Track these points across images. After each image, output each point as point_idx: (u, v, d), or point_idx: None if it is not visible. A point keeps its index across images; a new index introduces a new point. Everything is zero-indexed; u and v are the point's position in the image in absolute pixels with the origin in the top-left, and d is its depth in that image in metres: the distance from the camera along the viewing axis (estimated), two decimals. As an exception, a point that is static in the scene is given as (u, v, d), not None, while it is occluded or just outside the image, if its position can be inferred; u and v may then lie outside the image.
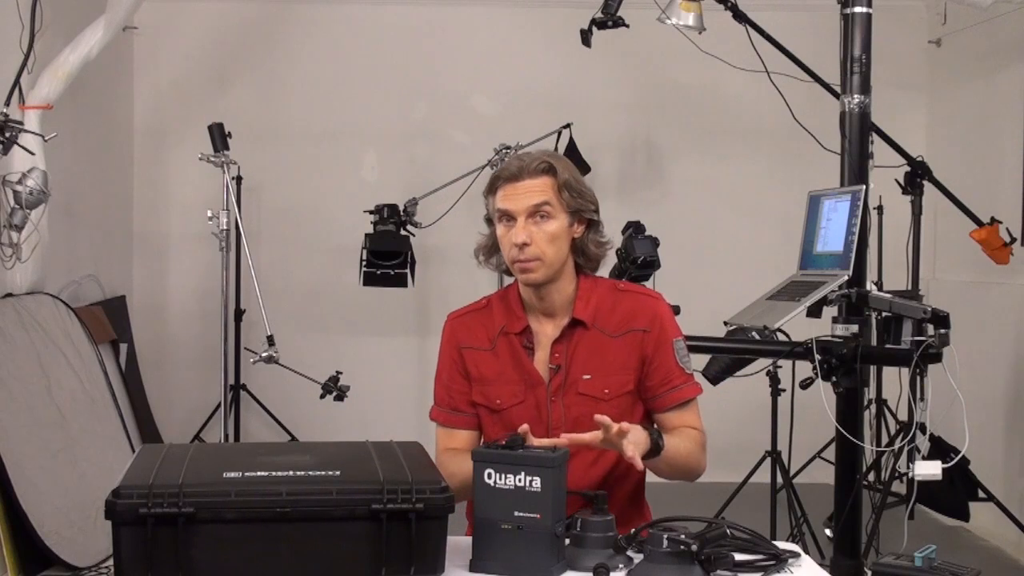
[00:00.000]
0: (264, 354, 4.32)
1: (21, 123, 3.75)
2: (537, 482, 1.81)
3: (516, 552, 1.82)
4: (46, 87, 4.12)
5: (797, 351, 3.34)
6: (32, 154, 3.83)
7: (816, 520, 4.29)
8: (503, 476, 1.83)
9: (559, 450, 1.87)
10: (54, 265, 4.37)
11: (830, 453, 4.02)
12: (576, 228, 2.24)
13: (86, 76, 4.34)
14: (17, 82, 3.90)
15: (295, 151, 5.84)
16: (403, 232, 5.12)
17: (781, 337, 3.37)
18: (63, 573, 3.50)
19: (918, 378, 3.26)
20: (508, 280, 2.32)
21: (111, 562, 1.69)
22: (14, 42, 3.88)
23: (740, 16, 3.98)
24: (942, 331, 3.12)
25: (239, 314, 5.38)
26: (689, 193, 5.82)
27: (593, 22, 4.14)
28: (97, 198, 5.24)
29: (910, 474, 3.31)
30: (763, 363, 3.77)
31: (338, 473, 1.75)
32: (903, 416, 4.55)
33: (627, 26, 4.12)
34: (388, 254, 5.03)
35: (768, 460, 4.38)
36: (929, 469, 3.24)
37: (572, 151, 5.22)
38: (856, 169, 3.62)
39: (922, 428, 3.52)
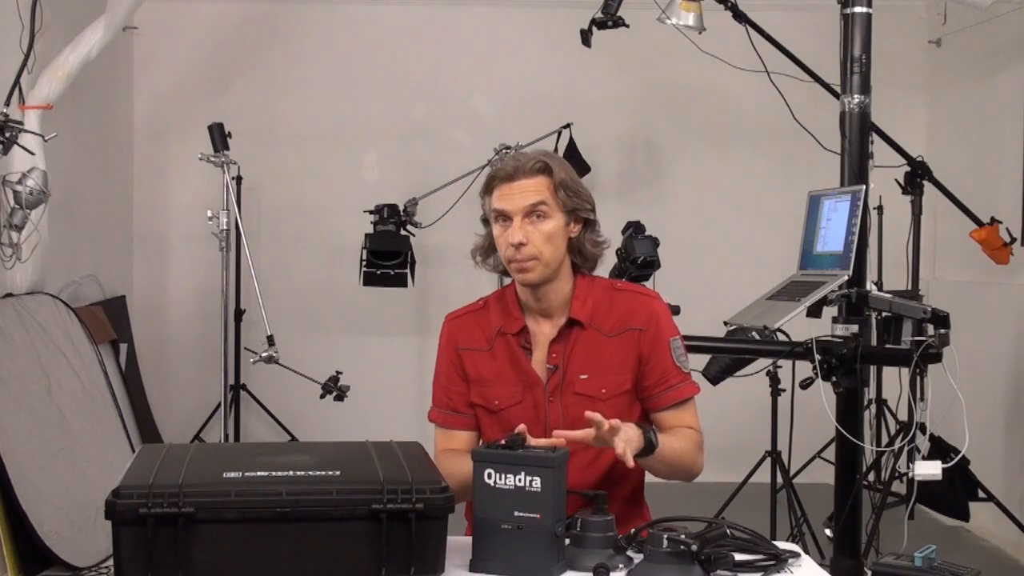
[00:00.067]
0: (264, 354, 4.32)
1: (21, 123, 3.75)
2: (537, 482, 1.81)
3: (516, 552, 1.82)
4: (46, 87, 4.12)
5: (797, 351, 3.34)
6: (32, 154, 3.83)
7: (816, 520, 4.29)
8: (503, 476, 1.83)
9: (559, 450, 1.87)
10: (54, 265, 4.37)
11: (830, 453, 4.02)
12: (572, 228, 2.24)
13: (86, 76, 4.34)
14: (17, 82, 3.90)
15: (295, 151, 5.84)
16: (403, 232, 5.12)
17: (781, 337, 3.37)
18: (63, 573, 3.50)
19: (918, 378, 3.26)
20: (508, 280, 2.32)
21: (111, 562, 1.69)
22: (14, 42, 3.88)
23: (740, 16, 3.98)
24: (942, 331, 3.12)
25: (239, 314, 5.38)
26: (689, 193, 5.82)
27: (593, 22, 4.14)
28: (97, 198, 5.24)
29: (910, 474, 3.31)
30: (763, 363, 3.77)
31: (338, 473, 1.75)
32: (903, 416, 4.55)
33: (627, 26, 4.12)
34: (388, 254, 5.03)
35: (768, 460, 4.38)
36: (929, 469, 3.23)
37: (572, 151, 5.22)
38: (856, 169, 3.62)
39: (922, 428, 3.53)
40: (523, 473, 1.82)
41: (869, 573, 2.83)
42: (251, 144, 5.39)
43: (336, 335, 5.84)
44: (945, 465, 3.35)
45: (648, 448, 2.08)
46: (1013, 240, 4.55)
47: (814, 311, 3.38)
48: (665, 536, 1.79)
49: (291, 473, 1.74)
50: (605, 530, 1.89)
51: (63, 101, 4.25)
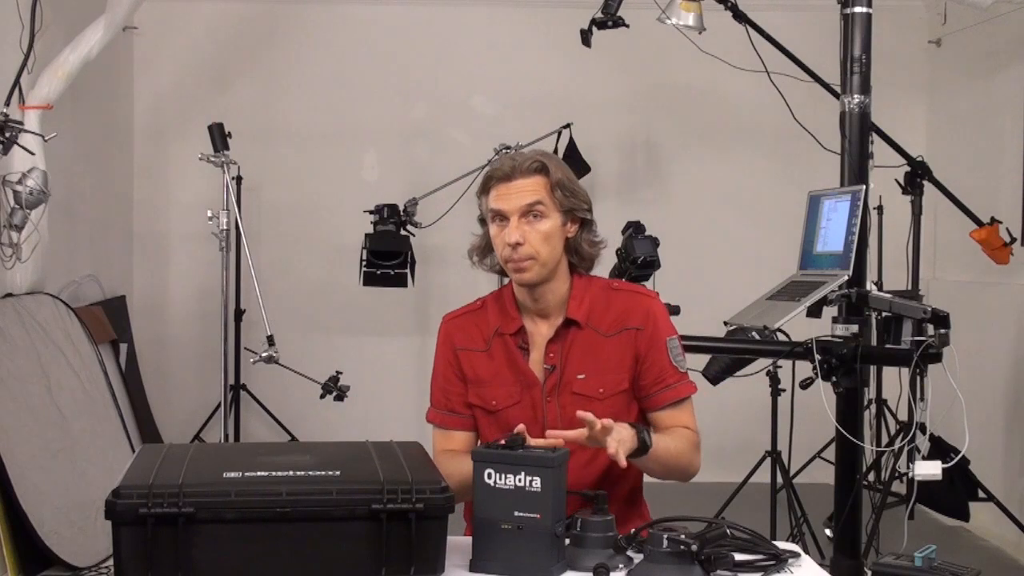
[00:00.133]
0: (264, 354, 4.32)
1: (21, 123, 3.75)
2: (537, 482, 1.81)
3: (516, 552, 1.82)
4: (46, 87, 4.12)
5: (797, 351, 3.34)
6: (32, 154, 3.83)
7: (816, 520, 4.29)
8: (503, 476, 1.83)
9: (559, 450, 1.87)
10: (54, 265, 4.37)
11: (830, 453, 4.02)
12: (569, 227, 2.24)
13: (86, 76, 4.34)
14: (17, 82, 3.90)
15: (295, 151, 5.84)
16: (403, 232, 5.12)
17: (781, 337, 3.37)
18: (63, 573, 3.50)
19: (918, 378, 3.26)
20: (508, 279, 2.32)
21: (111, 562, 1.69)
22: (14, 42, 3.88)
23: (740, 16, 3.98)
24: (942, 331, 3.12)
25: (239, 314, 5.38)
26: (689, 193, 5.82)
27: (593, 22, 4.14)
28: (97, 198, 5.24)
29: (910, 474, 3.31)
30: (763, 363, 3.77)
31: (338, 473, 1.75)
32: (903, 416, 4.55)
33: (627, 26, 4.12)
34: (388, 254, 5.03)
35: (768, 460, 4.38)
36: (929, 469, 3.23)
37: (572, 151, 5.22)
38: (856, 169, 3.62)
39: (922, 428, 3.52)
40: (523, 473, 1.82)
41: (869, 573, 2.83)
42: (251, 144, 5.39)
43: (336, 335, 5.84)
44: (945, 465, 3.35)
45: (642, 448, 2.08)
46: (1013, 240, 4.55)
47: (814, 311, 3.38)
48: (665, 536, 1.79)
49: (291, 473, 1.74)
50: (605, 530, 1.89)
51: (63, 101, 4.25)
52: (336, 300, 5.82)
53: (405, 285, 5.08)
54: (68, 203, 4.66)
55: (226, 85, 5.82)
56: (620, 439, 2.01)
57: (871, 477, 4.68)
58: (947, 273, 5.46)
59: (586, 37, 4.19)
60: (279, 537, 1.68)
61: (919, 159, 4.52)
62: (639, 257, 3.57)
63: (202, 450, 2.00)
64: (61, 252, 4.56)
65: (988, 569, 3.82)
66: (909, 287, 4.71)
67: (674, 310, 3.51)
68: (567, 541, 1.88)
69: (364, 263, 5.03)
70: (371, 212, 5.11)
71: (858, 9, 3.59)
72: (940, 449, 4.00)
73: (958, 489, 4.26)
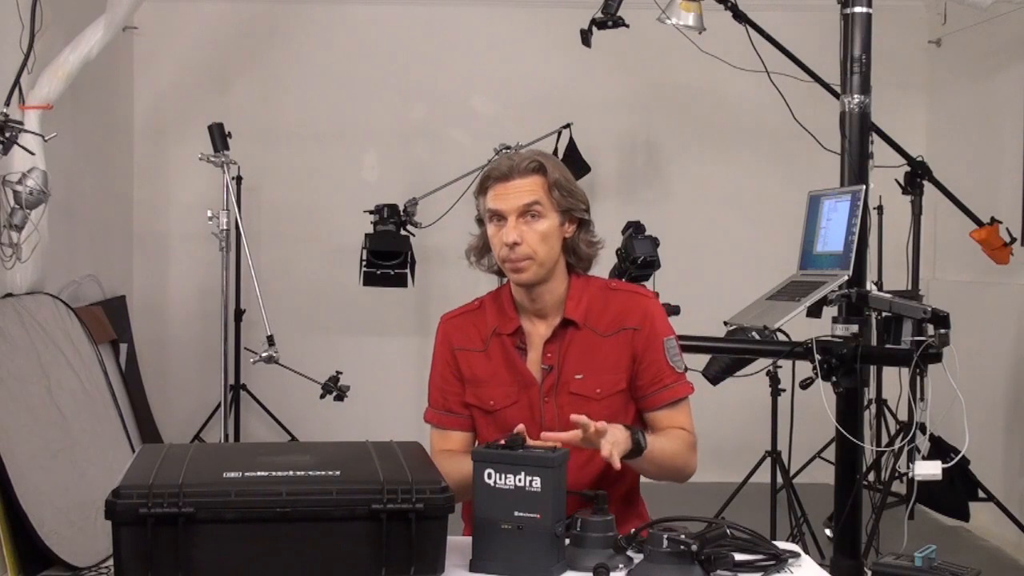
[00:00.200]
0: (264, 354, 4.32)
1: (21, 123, 3.75)
2: (537, 482, 1.81)
3: (516, 552, 1.82)
4: (46, 87, 4.12)
5: (797, 351, 3.34)
6: (32, 154, 3.83)
7: (816, 520, 4.29)
8: (503, 476, 1.83)
9: (559, 450, 1.87)
10: (54, 265, 4.37)
11: (830, 453, 4.02)
12: (567, 227, 2.23)
13: (86, 76, 4.34)
14: (17, 82, 3.90)
15: (295, 151, 5.84)
16: (403, 232, 5.12)
17: (781, 337, 3.37)
18: (63, 573, 3.50)
19: (918, 378, 3.26)
20: (507, 279, 2.32)
21: (111, 562, 1.69)
22: (14, 42, 3.88)
23: (740, 16, 3.98)
24: (942, 331, 3.12)
25: (239, 314, 5.38)
26: (689, 193, 5.82)
27: (593, 22, 4.14)
28: (97, 198, 5.24)
29: (910, 474, 3.31)
30: (763, 363, 3.77)
31: (338, 473, 1.75)
32: (903, 416, 4.55)
33: (627, 26, 4.12)
34: (388, 254, 5.03)
35: (768, 460, 4.38)
36: (929, 469, 3.23)
37: (572, 151, 5.22)
38: (856, 169, 3.62)
39: (922, 428, 3.52)
40: (523, 473, 1.82)
41: (869, 573, 2.83)
42: (251, 144, 5.39)
43: (336, 335, 5.84)
44: (945, 465, 3.35)
45: (636, 450, 2.08)
46: (1013, 240, 4.55)
47: (814, 311, 3.38)
48: (665, 536, 1.79)
49: (291, 473, 1.74)
50: (605, 530, 1.89)
51: (63, 101, 4.25)
52: (336, 300, 5.82)
53: (405, 285, 5.08)
54: (68, 203, 4.66)
55: (226, 85, 5.82)
56: (614, 441, 2.00)
57: (871, 477, 4.68)
58: (947, 273, 5.46)
59: (586, 37, 4.19)
60: (279, 537, 1.68)
61: (919, 159, 4.52)
62: (639, 257, 3.57)
63: (202, 450, 2.00)
64: (61, 252, 4.56)
65: (988, 569, 3.82)
66: (909, 287, 4.71)
67: (674, 310, 3.52)
68: (567, 541, 1.88)
69: (364, 263, 5.04)
70: (371, 212, 5.12)
71: (858, 9, 3.59)
72: (940, 449, 4.00)
73: (958, 489, 4.25)
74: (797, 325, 3.34)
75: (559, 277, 2.25)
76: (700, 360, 3.47)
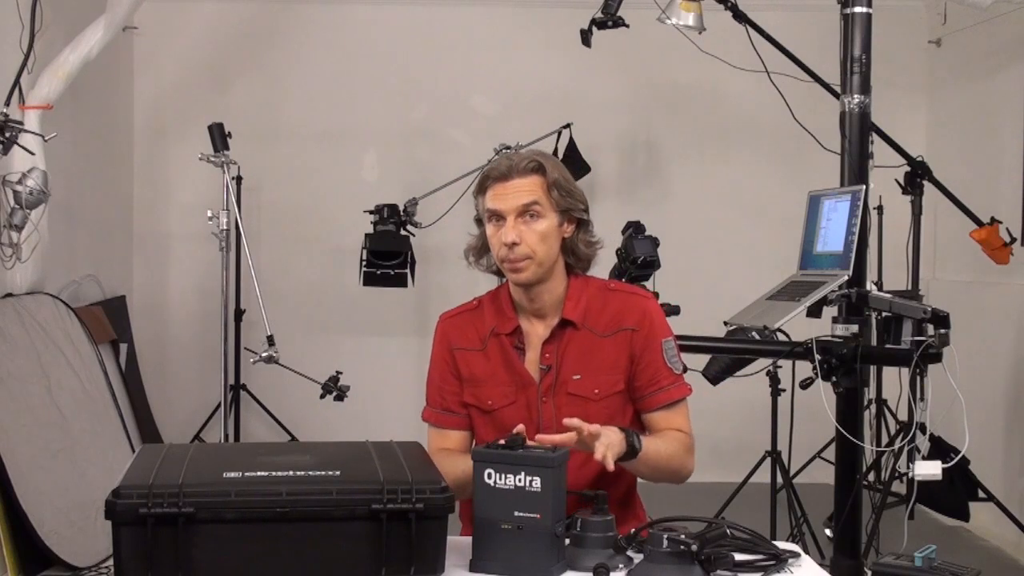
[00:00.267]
0: (264, 354, 4.32)
1: (21, 123, 3.75)
2: (537, 482, 1.81)
3: (516, 552, 1.82)
4: (46, 87, 4.12)
5: (797, 351, 3.34)
6: (32, 154, 3.83)
7: (816, 520, 4.29)
8: (503, 476, 1.83)
9: (559, 450, 1.87)
10: (54, 265, 4.37)
11: (830, 453, 4.02)
12: (566, 228, 2.23)
13: (86, 76, 4.34)
14: (17, 82, 3.90)
15: (295, 151, 5.84)
16: (403, 232, 5.12)
17: (781, 337, 3.37)
18: (63, 573, 3.50)
19: (918, 378, 3.26)
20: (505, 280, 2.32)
21: (111, 562, 1.69)
22: (14, 42, 3.88)
23: (740, 16, 3.98)
24: (942, 331, 3.12)
25: (239, 314, 5.38)
26: (689, 193, 5.82)
27: (593, 22, 4.14)
28: (97, 198, 5.24)
29: (910, 474, 3.31)
30: (763, 363, 3.77)
31: (338, 473, 1.75)
32: (903, 416, 4.55)
33: (627, 26, 4.12)
34: (388, 254, 5.03)
35: (768, 460, 4.38)
36: (929, 469, 3.23)
37: (572, 151, 5.22)
38: (856, 169, 3.62)
39: (922, 428, 3.52)
40: (523, 473, 1.82)
41: (869, 573, 2.83)
42: (251, 144, 5.39)
43: (336, 335, 5.84)
44: (945, 465, 3.35)
45: (631, 452, 2.07)
46: (1013, 240, 4.55)
47: (814, 311, 3.38)
48: (665, 536, 1.79)
49: (291, 473, 1.74)
50: (605, 530, 1.89)
51: (63, 101, 4.25)
52: (336, 300, 5.82)
53: (405, 285, 5.08)
54: (68, 203, 4.66)
55: (226, 85, 5.82)
56: (609, 443, 2.00)
57: (871, 477, 4.68)
58: (947, 273, 5.46)
59: (586, 37, 4.19)
60: (279, 537, 1.68)
61: (919, 159, 4.52)
62: (639, 257, 3.57)
63: (202, 450, 2.00)
64: (61, 252, 4.56)
65: (988, 569, 3.82)
66: (909, 287, 4.71)
67: (674, 310, 3.52)
68: (567, 541, 1.88)
69: (364, 263, 5.04)
70: (371, 212, 5.12)
71: (858, 9, 3.59)
72: (940, 449, 4.00)
73: (958, 489, 4.25)
74: (797, 325, 3.34)
75: (558, 277, 2.25)
76: (700, 360, 3.47)
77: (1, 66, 3.94)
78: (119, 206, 5.67)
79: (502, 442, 1.86)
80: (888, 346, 3.25)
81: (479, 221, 2.28)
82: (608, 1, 4.07)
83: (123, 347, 5.06)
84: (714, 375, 3.54)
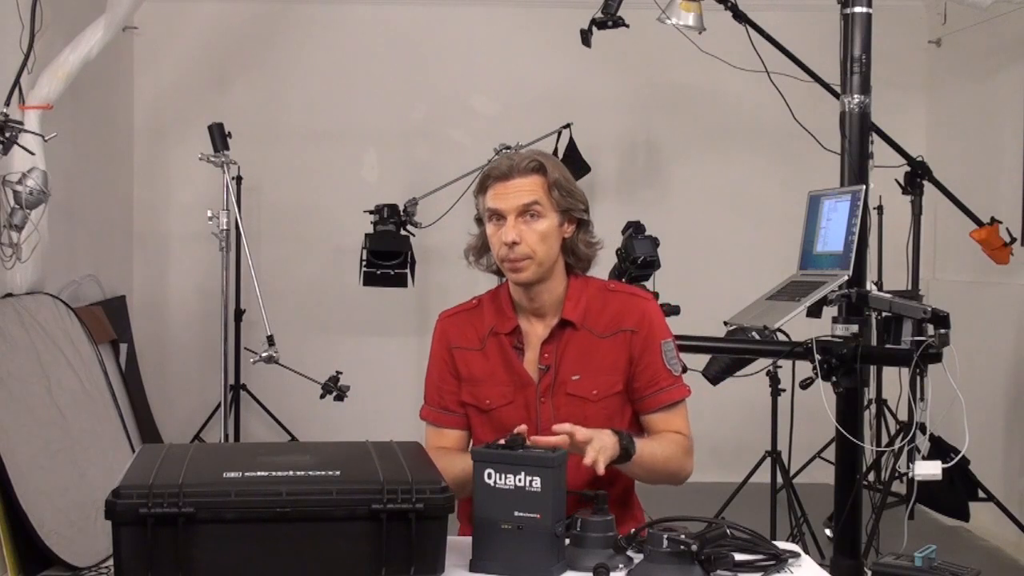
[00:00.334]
0: (264, 354, 4.32)
1: (21, 123, 3.75)
2: (537, 482, 1.81)
3: (516, 552, 1.82)
4: (46, 87, 4.12)
5: (797, 351, 3.34)
6: (32, 154, 3.83)
7: (816, 520, 4.29)
8: (503, 476, 1.83)
9: (559, 450, 1.87)
10: (54, 265, 4.37)
11: (830, 453, 4.03)
12: (566, 228, 2.23)
13: (86, 76, 4.34)
14: (17, 82, 3.90)
15: (295, 151, 5.84)
16: (403, 232, 5.12)
17: (781, 337, 3.37)
18: (63, 573, 3.50)
19: (918, 378, 3.26)
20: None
21: (111, 562, 1.69)
22: (14, 42, 3.88)
23: (740, 16, 3.98)
24: (942, 331, 3.12)
25: (239, 314, 5.38)
26: (689, 193, 5.82)
27: (593, 22, 4.14)
28: (97, 198, 5.24)
29: (910, 474, 3.31)
30: (763, 363, 3.77)
31: (338, 473, 1.75)
32: (903, 416, 4.55)
33: (627, 26, 4.12)
34: (388, 254, 5.03)
35: (768, 460, 4.38)
36: (929, 469, 3.23)
37: (572, 151, 5.22)
38: (856, 169, 3.62)
39: (922, 428, 3.52)
40: (523, 473, 1.82)
41: (869, 573, 2.83)
42: (251, 144, 5.38)
43: (336, 335, 5.84)
44: (945, 465, 3.35)
45: (625, 455, 2.07)
46: (1013, 240, 4.55)
47: (814, 311, 3.38)
48: (665, 536, 1.79)
49: (291, 473, 1.74)
50: (605, 530, 1.89)
51: (63, 101, 4.25)
52: (336, 300, 5.82)
53: (405, 285, 5.09)
54: (68, 203, 4.66)
55: (226, 85, 5.82)
56: (601, 447, 1.99)
57: (871, 477, 4.68)
58: (947, 273, 5.46)
59: (586, 37, 4.19)
60: (279, 537, 1.68)
61: (919, 159, 4.52)
62: (639, 257, 3.57)
63: (202, 450, 2.00)
64: (61, 252, 4.56)
65: (988, 569, 3.82)
66: (909, 287, 4.71)
67: (674, 310, 3.52)
68: (567, 541, 1.88)
69: (364, 263, 5.04)
70: (371, 212, 5.12)
71: (858, 9, 3.59)
72: (940, 449, 4.00)
73: (958, 489, 4.26)
74: (797, 325, 3.34)
75: (558, 277, 2.25)
76: (700, 360, 3.47)
77: (1, 66, 3.94)
78: (119, 206, 5.67)
79: (502, 442, 1.86)
80: (888, 346, 3.25)
81: (479, 220, 2.28)
82: (608, 1, 4.07)
83: (123, 347, 5.06)
84: (714, 375, 3.54)
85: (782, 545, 1.97)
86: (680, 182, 5.86)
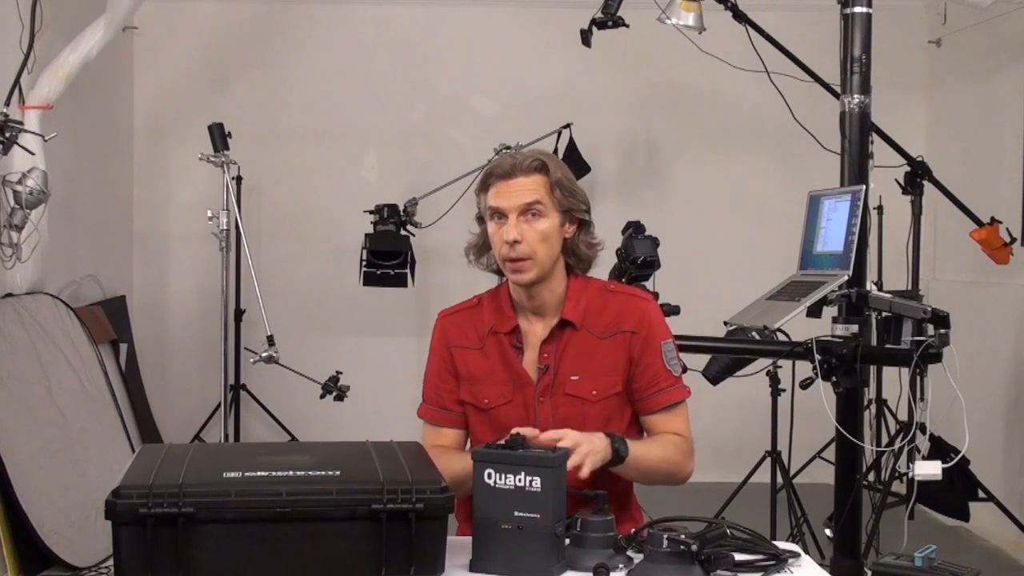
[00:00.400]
0: (264, 354, 4.32)
1: (21, 123, 3.75)
2: (537, 482, 1.81)
3: (516, 552, 1.82)
4: (46, 87, 4.12)
5: (797, 351, 3.34)
6: (32, 154, 3.83)
7: (816, 520, 4.29)
8: (503, 476, 1.83)
9: (559, 450, 1.87)
10: (54, 265, 4.37)
11: (830, 453, 4.03)
12: (567, 228, 2.23)
13: (86, 76, 4.34)
14: (17, 82, 3.90)
15: (295, 151, 5.84)
16: (403, 232, 5.13)
17: (781, 337, 3.37)
18: (63, 573, 3.50)
19: (918, 378, 3.26)
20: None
21: (111, 562, 1.69)
22: (14, 42, 3.88)
23: (740, 16, 3.98)
24: (942, 331, 3.12)
25: (239, 314, 5.38)
26: (689, 193, 5.82)
27: (593, 22, 4.14)
28: (97, 198, 5.24)
29: (910, 474, 3.31)
30: (763, 363, 3.77)
31: (338, 473, 1.75)
32: (903, 416, 4.55)
33: (627, 26, 4.12)
34: (388, 254, 5.03)
35: (768, 460, 4.38)
36: (929, 469, 3.23)
37: (572, 151, 5.22)
38: (856, 169, 3.62)
39: (922, 428, 3.52)
40: (523, 473, 1.82)
41: (869, 573, 2.83)
42: (251, 144, 5.38)
43: (336, 335, 5.84)
44: (945, 465, 3.35)
45: (617, 458, 2.07)
46: (1013, 240, 4.55)
47: (814, 311, 3.38)
48: (665, 536, 1.79)
49: (291, 473, 1.74)
50: (605, 530, 1.89)
51: (63, 101, 4.25)
52: (336, 300, 5.82)
53: (405, 285, 5.09)
54: (68, 203, 4.66)
55: (226, 85, 5.82)
56: (590, 451, 1.99)
57: (871, 477, 4.68)
58: (947, 273, 5.46)
59: (586, 37, 4.19)
60: (279, 537, 1.68)
61: (919, 159, 4.52)
62: (639, 257, 3.57)
63: (202, 450, 2.00)
64: (61, 252, 4.56)
65: (988, 569, 3.82)
66: (909, 287, 4.71)
67: (674, 310, 3.51)
68: (567, 541, 1.88)
69: (364, 263, 5.04)
70: (371, 212, 5.12)
71: (858, 9, 3.59)
72: (940, 449, 4.00)
73: (958, 489, 4.26)
74: (797, 325, 3.34)
75: (558, 277, 2.25)
76: (700, 360, 3.47)
77: (1, 66, 3.94)
78: (119, 206, 5.67)
79: (502, 442, 1.86)
80: (888, 346, 3.25)
81: (480, 219, 2.28)
82: (608, 1, 4.07)
83: (123, 347, 5.06)
84: (714, 375, 3.54)
85: (782, 545, 1.97)
86: (680, 182, 5.86)
